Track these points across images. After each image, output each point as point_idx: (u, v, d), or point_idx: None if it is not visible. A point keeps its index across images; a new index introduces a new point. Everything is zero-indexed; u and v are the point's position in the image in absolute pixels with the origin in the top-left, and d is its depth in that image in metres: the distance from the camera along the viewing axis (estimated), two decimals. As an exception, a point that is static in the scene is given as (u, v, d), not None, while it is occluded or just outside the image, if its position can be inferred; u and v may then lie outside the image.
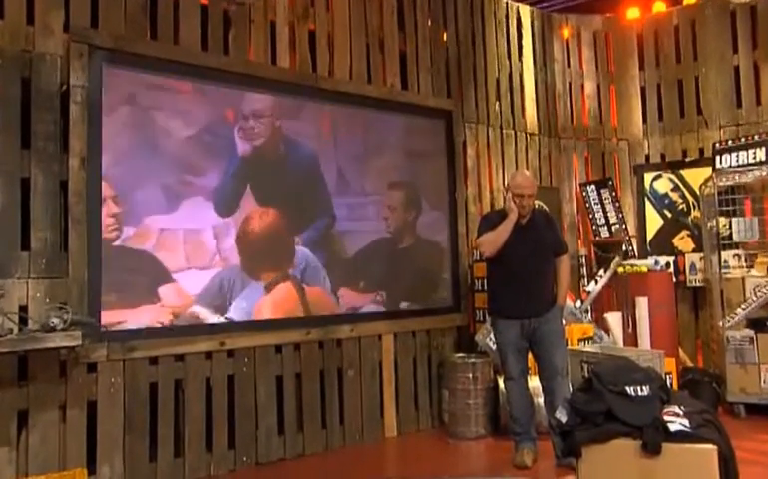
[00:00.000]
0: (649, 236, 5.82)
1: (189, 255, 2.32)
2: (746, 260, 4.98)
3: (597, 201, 5.71)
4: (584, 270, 5.70)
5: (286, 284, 2.67)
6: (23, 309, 3.13)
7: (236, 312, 2.53)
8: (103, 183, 2.31)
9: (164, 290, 2.29)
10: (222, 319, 2.57)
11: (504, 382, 3.84)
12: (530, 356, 3.81)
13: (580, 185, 5.91)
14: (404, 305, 3.24)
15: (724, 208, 4.99)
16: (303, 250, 2.71)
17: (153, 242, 2.29)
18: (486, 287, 3.96)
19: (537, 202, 4.01)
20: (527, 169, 5.54)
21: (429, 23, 5.09)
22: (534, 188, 3.70)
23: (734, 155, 5.15)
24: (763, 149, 5.02)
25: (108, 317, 2.31)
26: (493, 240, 3.61)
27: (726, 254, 4.96)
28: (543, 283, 3.73)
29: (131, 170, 2.27)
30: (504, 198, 5.28)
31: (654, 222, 5.82)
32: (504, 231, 3.59)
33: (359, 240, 2.98)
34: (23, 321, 3.07)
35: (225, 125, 2.75)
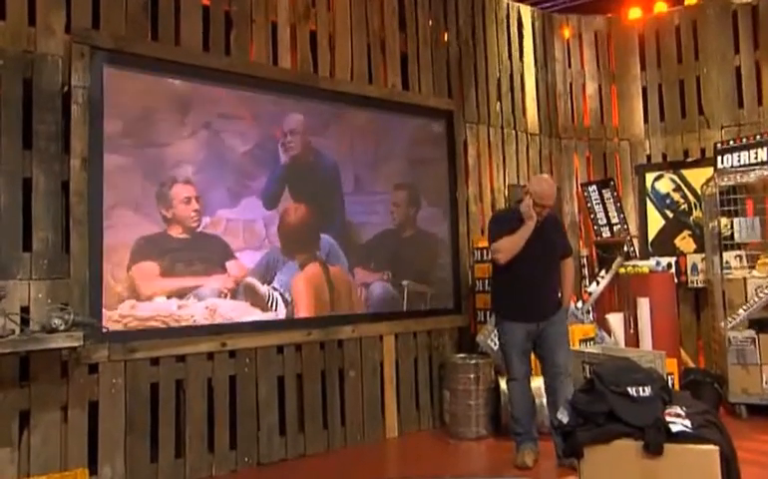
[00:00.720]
0: (651, 236, 5.82)
1: (246, 239, 3.16)
2: (748, 261, 4.97)
3: (599, 201, 5.71)
4: (586, 271, 5.69)
5: (315, 263, 3.43)
6: (25, 310, 3.13)
7: (278, 283, 3.26)
8: (189, 186, 3.09)
9: (229, 264, 3.12)
10: (269, 288, 3.28)
11: (506, 382, 3.82)
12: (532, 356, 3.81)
13: (582, 185, 5.91)
14: (405, 282, 3.89)
15: (726, 208, 4.98)
16: (327, 238, 3.49)
17: (222, 229, 3.12)
18: (491, 286, 3.91)
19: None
20: (546, 174, 5.51)
21: (430, 23, 5.10)
22: (555, 197, 3.66)
23: (736, 155, 5.15)
24: (764, 149, 5.01)
25: (193, 281, 3.07)
26: (510, 249, 3.54)
27: (728, 255, 4.95)
28: (551, 286, 3.70)
29: (207, 177, 3.09)
30: (505, 196, 5.33)
31: (656, 222, 5.81)
32: (521, 239, 3.52)
33: (370, 230, 3.76)
34: (25, 322, 3.07)
35: (272, 141, 3.56)
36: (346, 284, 3.51)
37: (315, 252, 3.39)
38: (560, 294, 3.78)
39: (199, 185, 3.06)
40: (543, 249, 3.60)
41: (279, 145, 3.47)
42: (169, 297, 2.92)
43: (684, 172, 5.72)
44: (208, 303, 3.02)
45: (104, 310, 3.01)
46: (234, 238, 3.13)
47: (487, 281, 4.81)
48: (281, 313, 3.32)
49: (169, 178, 2.97)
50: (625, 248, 5.52)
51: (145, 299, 2.92)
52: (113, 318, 2.95)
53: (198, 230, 3.01)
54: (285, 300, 3.24)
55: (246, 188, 3.23)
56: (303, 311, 3.44)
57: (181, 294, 2.98)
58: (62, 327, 2.96)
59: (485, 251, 4.85)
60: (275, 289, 3.27)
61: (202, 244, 2.99)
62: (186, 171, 2.99)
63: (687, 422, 2.27)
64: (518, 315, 3.62)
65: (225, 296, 3.11)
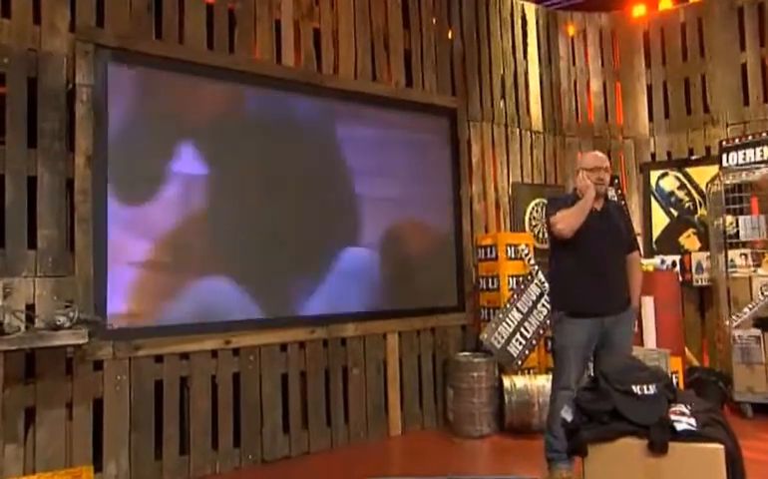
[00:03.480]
0: (655, 234, 5.80)
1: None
2: (753, 259, 4.95)
3: (603, 199, 5.68)
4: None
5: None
6: (30, 307, 3.15)
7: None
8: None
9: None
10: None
11: (556, 391, 3.28)
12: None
13: (586, 183, 5.87)
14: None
15: (731, 206, 4.96)
16: None
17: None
18: (551, 278, 3.49)
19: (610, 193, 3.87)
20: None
21: (434, 21, 5.09)
22: (608, 163, 3.35)
23: (741, 153, 5.12)
24: (770, 147, 4.98)
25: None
26: (570, 220, 3.17)
27: (733, 253, 4.94)
28: (621, 277, 3.33)
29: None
30: (509, 194, 5.31)
31: (660, 220, 5.79)
32: (583, 209, 3.18)
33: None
34: (30, 319, 3.08)
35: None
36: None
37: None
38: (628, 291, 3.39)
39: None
40: (611, 236, 3.28)
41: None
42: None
43: (689, 169, 5.69)
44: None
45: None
46: None
47: (490, 280, 4.81)
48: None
49: None
50: (630, 247, 5.49)
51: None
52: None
53: None
54: None
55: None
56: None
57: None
58: (66, 325, 2.98)
59: (488, 249, 4.85)
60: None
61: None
62: None
63: (692, 421, 2.26)
64: (585, 308, 3.19)
65: None
